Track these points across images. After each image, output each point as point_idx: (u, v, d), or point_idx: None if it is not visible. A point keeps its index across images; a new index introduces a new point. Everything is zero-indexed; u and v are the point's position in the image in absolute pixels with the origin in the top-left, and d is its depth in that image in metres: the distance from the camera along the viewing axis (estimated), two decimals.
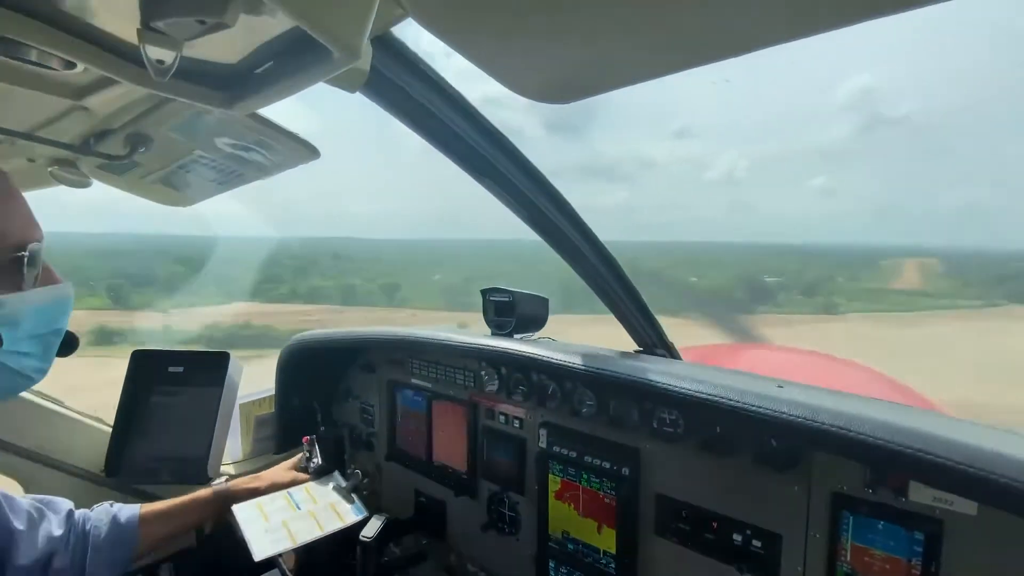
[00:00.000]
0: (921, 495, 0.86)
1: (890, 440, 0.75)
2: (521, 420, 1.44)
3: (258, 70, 0.64)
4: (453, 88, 0.85)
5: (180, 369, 1.78)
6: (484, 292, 1.56)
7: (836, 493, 0.95)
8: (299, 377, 1.89)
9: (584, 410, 1.28)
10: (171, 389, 1.77)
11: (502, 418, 1.49)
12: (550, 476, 1.34)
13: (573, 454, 1.29)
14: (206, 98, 0.69)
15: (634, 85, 0.66)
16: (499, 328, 1.53)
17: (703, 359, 1.98)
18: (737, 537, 1.06)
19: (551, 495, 1.34)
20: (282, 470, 1.64)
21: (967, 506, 0.82)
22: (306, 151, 1.06)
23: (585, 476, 1.28)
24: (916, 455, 0.72)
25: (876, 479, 0.91)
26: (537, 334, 1.57)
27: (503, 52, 0.65)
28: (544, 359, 1.26)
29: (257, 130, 0.93)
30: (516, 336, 1.50)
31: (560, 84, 0.72)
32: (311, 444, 1.66)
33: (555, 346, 1.36)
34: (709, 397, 0.95)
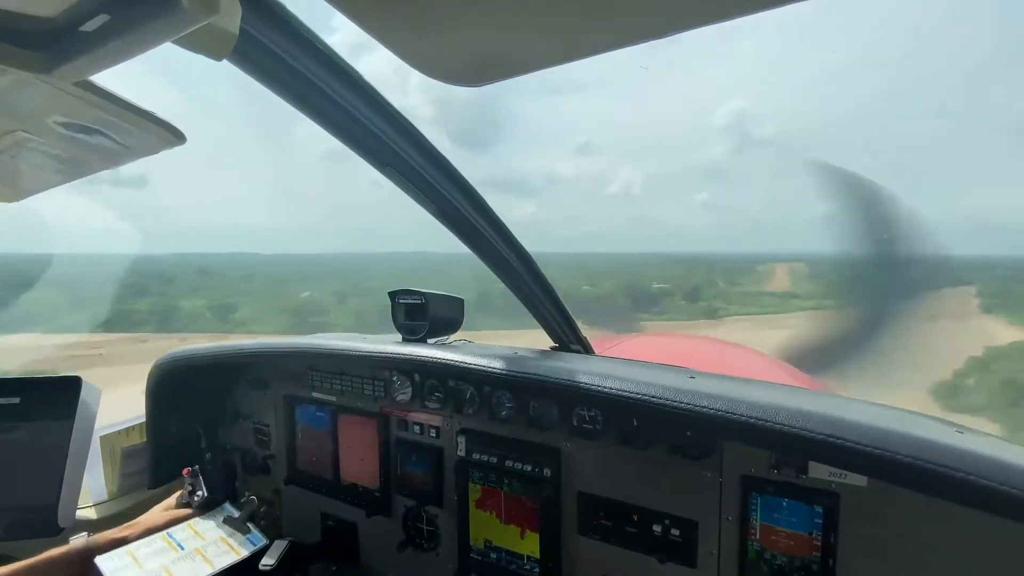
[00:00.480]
0: (819, 471, 0.93)
1: (798, 426, 0.78)
2: (437, 429, 1.36)
3: (85, 26, 0.50)
4: (346, 62, 0.74)
5: (15, 400, 1.46)
6: (393, 295, 1.45)
7: (745, 476, 1.00)
8: (175, 399, 1.64)
9: (504, 413, 1.23)
10: (3, 426, 1.44)
11: (416, 428, 1.39)
12: (470, 485, 1.28)
13: (494, 459, 1.24)
14: (16, 60, 0.54)
15: (547, 68, 0.62)
16: (411, 333, 1.43)
17: (614, 352, 2.03)
18: (657, 528, 1.08)
19: (471, 504, 1.28)
20: (158, 511, 1.40)
21: (858, 478, 0.89)
22: (168, 135, 0.89)
23: (507, 481, 1.23)
24: (820, 439, 0.76)
25: (781, 460, 0.97)
26: (452, 337, 1.49)
27: (411, 32, 0.59)
28: (461, 364, 1.19)
29: (99, 106, 0.76)
30: (430, 341, 1.42)
31: (472, 66, 0.66)
32: (193, 476, 1.44)
33: (471, 349, 1.30)
34: (632, 395, 0.95)
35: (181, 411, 1.67)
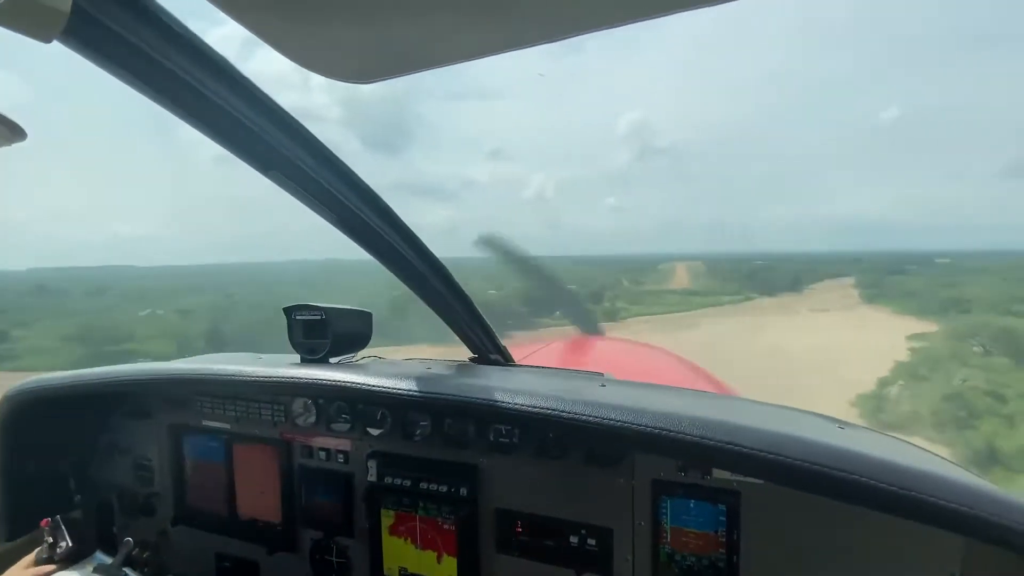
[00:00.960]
0: (722, 472, 0.96)
1: (698, 434, 0.80)
2: (346, 454, 1.27)
3: None
4: (216, 52, 0.65)
5: None
6: (288, 311, 1.32)
7: (656, 480, 1.02)
8: (33, 436, 1.40)
9: (418, 433, 1.17)
10: None
11: (322, 454, 1.29)
12: (383, 511, 1.20)
13: (407, 483, 1.17)
14: None
15: (438, 67, 0.58)
16: (310, 352, 1.31)
17: (534, 359, 2.03)
18: (574, 539, 1.07)
19: (384, 532, 1.20)
20: (18, 569, 1.18)
21: None
22: (3, 130, 0.74)
23: (422, 504, 1.17)
24: (719, 446, 0.78)
25: (687, 463, 0.99)
26: (360, 354, 1.39)
27: (293, 27, 0.54)
28: (365, 387, 1.10)
29: None
30: (333, 360, 1.31)
31: (359, 63, 0.61)
32: (53, 527, 1.23)
33: (380, 368, 1.22)
34: (544, 412, 0.93)
35: (42, 449, 1.43)
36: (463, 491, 1.12)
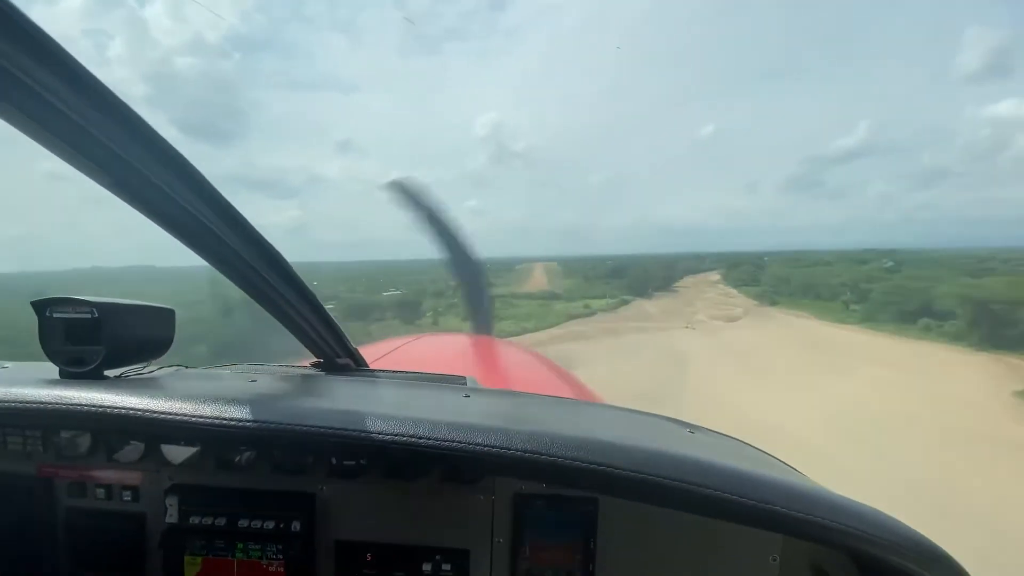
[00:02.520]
0: None
1: (575, 459, 0.75)
2: (135, 489, 0.99)
3: None
4: None
5: None
6: (40, 305, 0.97)
7: (517, 494, 0.96)
8: None
9: (239, 458, 0.95)
10: None
11: (101, 492, 0.99)
12: (187, 559, 0.96)
13: (222, 521, 0.94)
14: None
15: None
16: (74, 363, 0.97)
17: (390, 361, 1.86)
18: (427, 566, 0.96)
19: None
20: None
21: None
22: None
23: (240, 546, 0.95)
24: (596, 470, 0.74)
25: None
26: (155, 365, 1.09)
27: None
28: (149, 414, 0.82)
29: None
30: (110, 373, 1.00)
31: None
32: None
33: (181, 383, 0.96)
34: (399, 439, 0.79)
35: None
36: (295, 525, 0.94)
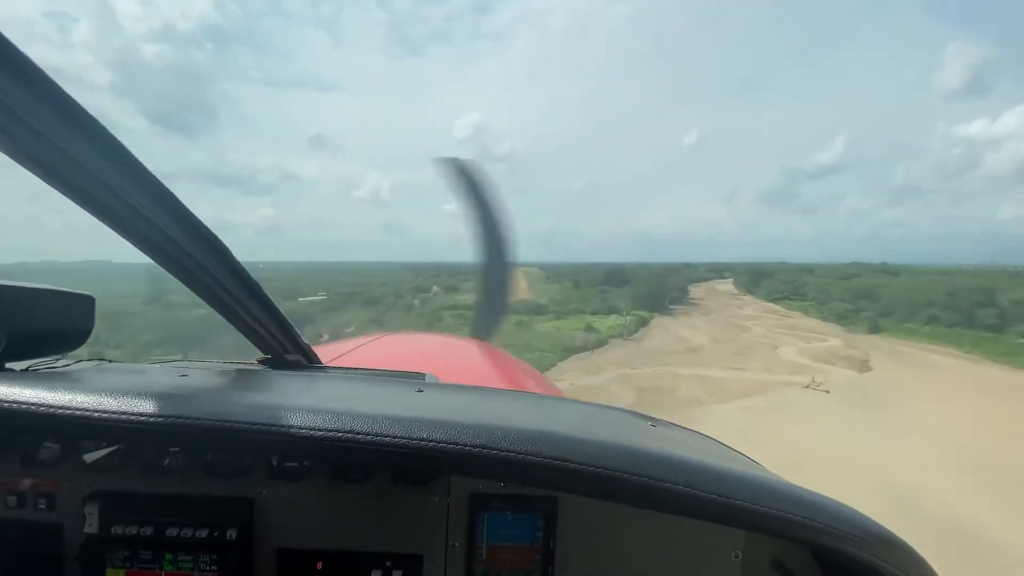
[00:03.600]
0: None
1: (526, 452, 0.70)
2: (50, 497, 0.89)
3: None
4: None
5: None
6: None
7: (473, 494, 0.91)
8: None
9: (168, 461, 0.87)
10: None
11: (11, 500, 0.89)
12: (108, 572, 0.87)
13: (148, 530, 0.86)
14: None
15: None
16: None
17: (347, 360, 1.77)
18: (377, 573, 0.90)
19: None
20: None
21: None
22: None
23: (169, 557, 0.87)
24: (548, 464, 0.69)
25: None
26: (71, 357, 0.99)
27: None
28: (54, 411, 0.72)
29: None
30: (13, 366, 0.89)
31: None
32: None
33: (98, 377, 0.86)
34: (339, 435, 0.72)
35: None
36: (231, 533, 0.86)
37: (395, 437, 0.70)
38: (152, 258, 0.86)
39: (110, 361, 1.02)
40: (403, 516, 0.91)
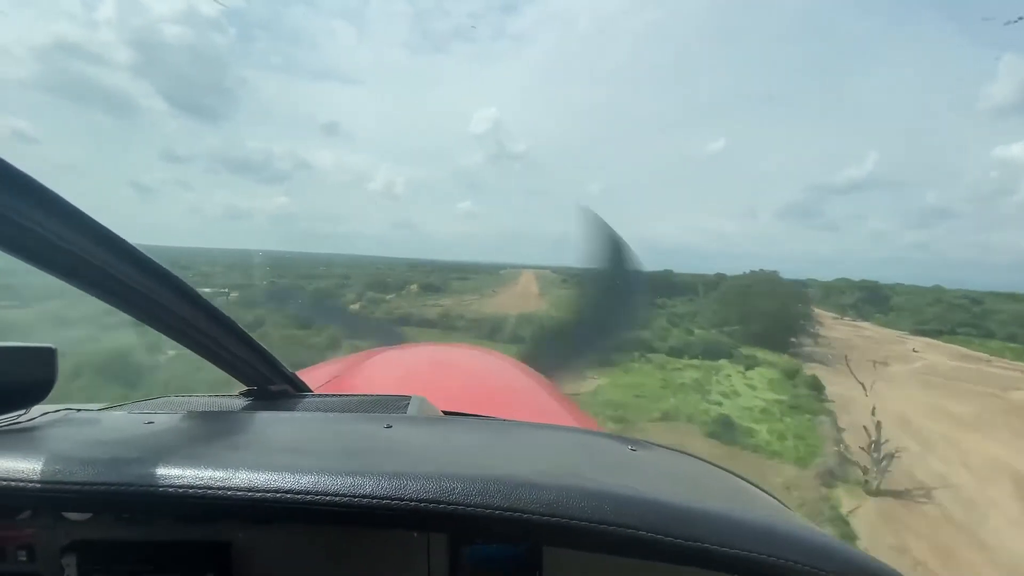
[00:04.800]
0: None
1: (476, 504, 0.67)
2: (30, 549, 0.89)
3: None
4: None
5: None
6: None
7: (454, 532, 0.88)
8: None
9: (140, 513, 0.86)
10: None
11: None
12: None
13: None
14: None
15: None
16: None
17: (335, 384, 1.75)
18: None
19: None
20: None
21: None
22: None
23: None
24: (501, 517, 0.66)
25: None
26: (36, 411, 0.98)
27: None
28: (14, 485, 0.71)
29: None
30: None
31: None
32: None
33: (60, 431, 0.86)
34: (273, 497, 0.68)
35: None
36: None
37: (337, 495, 0.67)
38: (112, 304, 0.84)
39: (77, 410, 1.01)
40: (383, 556, 0.88)
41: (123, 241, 0.80)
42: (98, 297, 0.82)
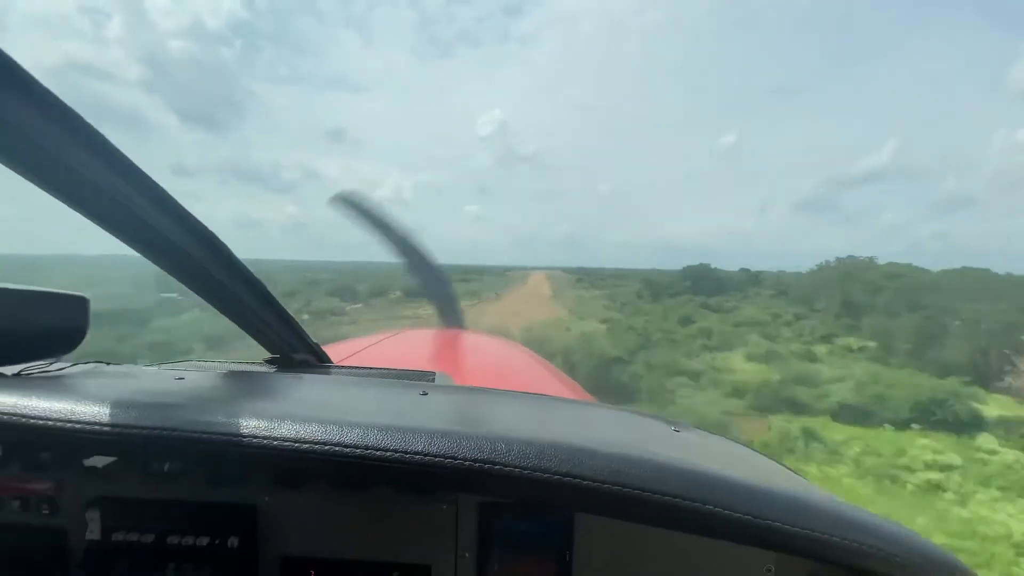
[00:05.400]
0: None
1: (532, 467, 0.64)
2: (52, 501, 0.88)
3: None
4: None
5: None
6: None
7: (483, 503, 0.86)
8: None
9: (167, 467, 0.84)
10: None
11: (15, 504, 0.88)
12: None
13: (149, 538, 0.83)
14: None
15: None
16: None
17: (358, 358, 1.73)
18: None
19: None
20: None
21: None
22: None
23: (173, 566, 0.85)
24: (560, 482, 0.64)
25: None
26: (64, 361, 0.96)
27: None
28: (39, 421, 0.70)
29: None
30: (5, 371, 0.87)
31: None
32: None
33: (92, 383, 0.84)
34: (324, 449, 0.66)
35: None
36: (233, 542, 0.83)
37: (388, 451, 0.65)
38: (150, 259, 0.83)
39: (107, 364, 0.99)
40: (411, 525, 0.87)
41: (162, 190, 0.78)
42: (130, 245, 0.81)
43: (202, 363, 1.18)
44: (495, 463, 0.63)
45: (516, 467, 0.63)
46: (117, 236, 0.78)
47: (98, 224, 0.75)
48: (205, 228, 0.86)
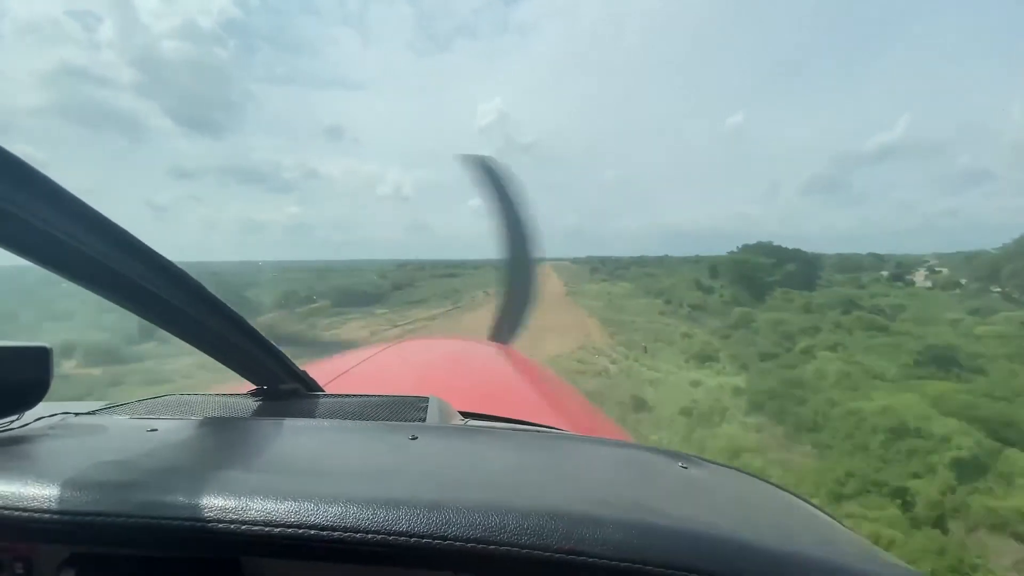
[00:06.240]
0: None
1: (529, 546, 0.58)
2: (27, 561, 0.83)
3: None
4: None
5: None
6: None
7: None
8: None
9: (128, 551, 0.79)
10: None
11: None
12: None
13: None
14: None
15: None
16: None
17: (343, 382, 1.67)
18: None
19: None
20: None
21: None
22: None
23: None
24: (563, 561, 0.58)
25: None
26: (28, 414, 0.92)
27: None
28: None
29: None
30: None
31: None
32: None
33: (52, 444, 0.80)
34: (298, 533, 0.61)
35: None
36: None
37: (369, 532, 0.59)
38: (125, 308, 0.78)
39: (75, 414, 0.94)
40: None
41: (124, 232, 0.73)
42: (98, 293, 0.76)
43: (184, 397, 1.13)
44: (489, 543, 0.58)
45: (513, 546, 0.57)
46: (83, 285, 0.72)
47: (57, 274, 0.70)
48: (175, 266, 0.81)
